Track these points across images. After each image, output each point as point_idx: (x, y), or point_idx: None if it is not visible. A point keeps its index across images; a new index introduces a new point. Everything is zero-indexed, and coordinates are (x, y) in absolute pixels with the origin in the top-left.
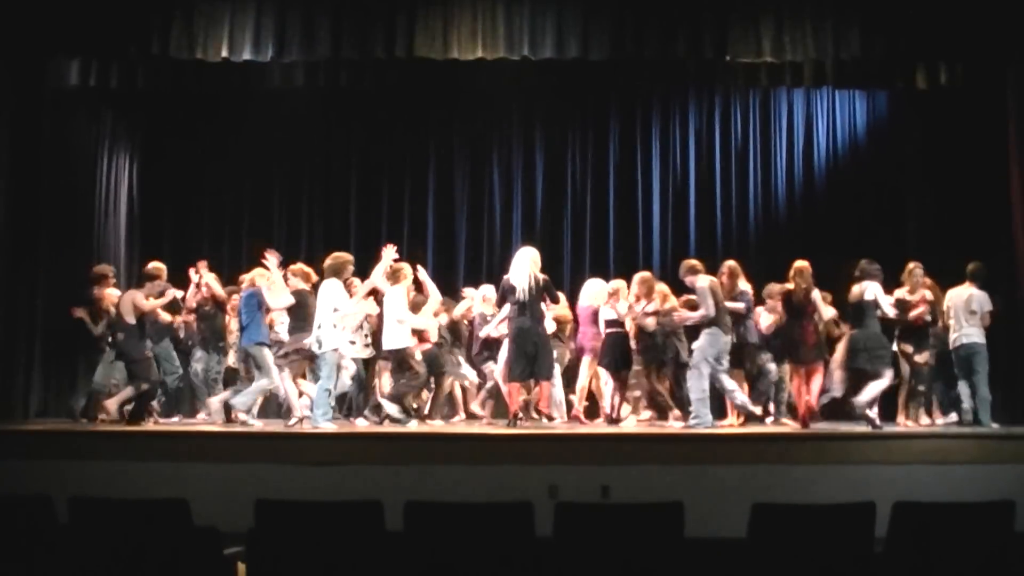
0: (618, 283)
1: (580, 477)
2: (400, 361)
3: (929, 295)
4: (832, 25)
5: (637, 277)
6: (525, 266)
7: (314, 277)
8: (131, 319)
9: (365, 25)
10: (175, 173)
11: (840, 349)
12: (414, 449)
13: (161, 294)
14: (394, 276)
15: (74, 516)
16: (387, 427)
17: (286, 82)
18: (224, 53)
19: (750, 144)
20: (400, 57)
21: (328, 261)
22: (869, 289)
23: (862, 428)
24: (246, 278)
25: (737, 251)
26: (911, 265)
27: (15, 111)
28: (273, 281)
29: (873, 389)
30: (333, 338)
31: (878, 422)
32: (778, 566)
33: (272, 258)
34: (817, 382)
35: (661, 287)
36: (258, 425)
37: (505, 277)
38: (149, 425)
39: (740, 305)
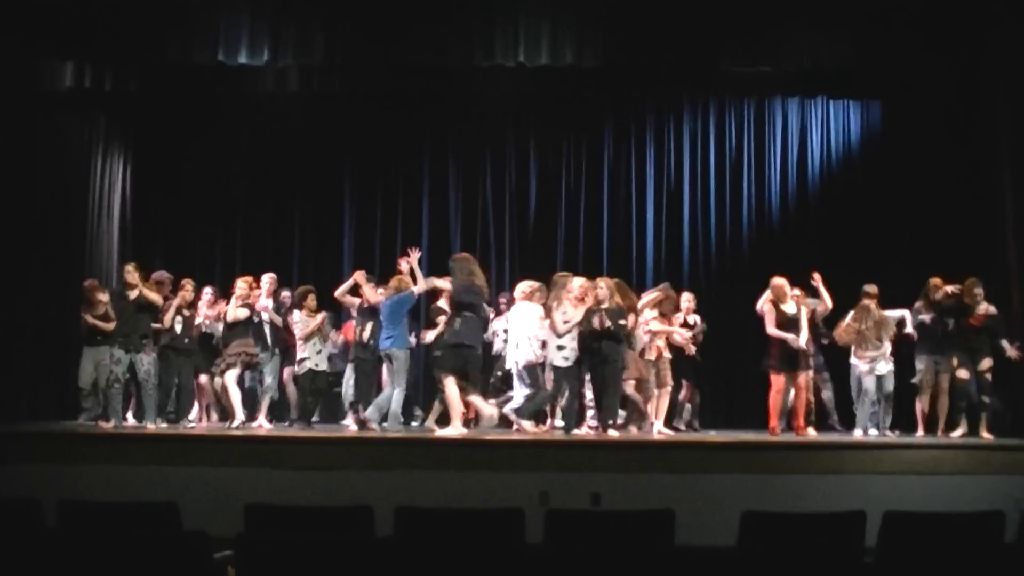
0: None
1: (571, 484)
2: (530, 374)
3: (993, 309)
4: (827, 35)
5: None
6: None
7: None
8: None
9: (359, 30)
10: (168, 176)
11: None
12: (405, 454)
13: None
14: (532, 295)
15: (63, 520)
16: (378, 432)
17: (280, 87)
18: (220, 57)
19: (744, 153)
20: (395, 63)
21: (554, 279)
22: None
23: (852, 438)
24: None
25: (730, 259)
26: (970, 281)
27: (7, 113)
28: (422, 284)
29: None
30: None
31: None
32: (768, 575)
33: (414, 254)
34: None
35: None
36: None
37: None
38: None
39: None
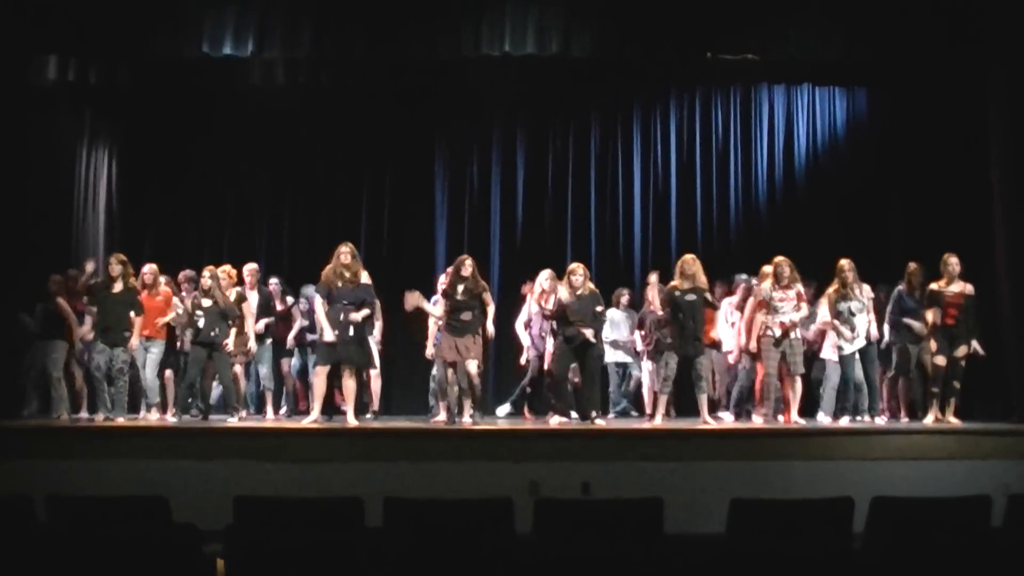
0: None
1: (561, 473)
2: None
3: (970, 289)
4: (815, 24)
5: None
6: None
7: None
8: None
9: (347, 22)
10: (155, 170)
11: None
12: (394, 445)
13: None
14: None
15: (52, 515)
16: (369, 423)
17: (267, 80)
18: (204, 48)
19: (731, 141)
20: (381, 55)
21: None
22: None
23: (840, 424)
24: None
25: (718, 248)
26: (946, 256)
27: None
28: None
29: None
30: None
31: None
32: (757, 561)
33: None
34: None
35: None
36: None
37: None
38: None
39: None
